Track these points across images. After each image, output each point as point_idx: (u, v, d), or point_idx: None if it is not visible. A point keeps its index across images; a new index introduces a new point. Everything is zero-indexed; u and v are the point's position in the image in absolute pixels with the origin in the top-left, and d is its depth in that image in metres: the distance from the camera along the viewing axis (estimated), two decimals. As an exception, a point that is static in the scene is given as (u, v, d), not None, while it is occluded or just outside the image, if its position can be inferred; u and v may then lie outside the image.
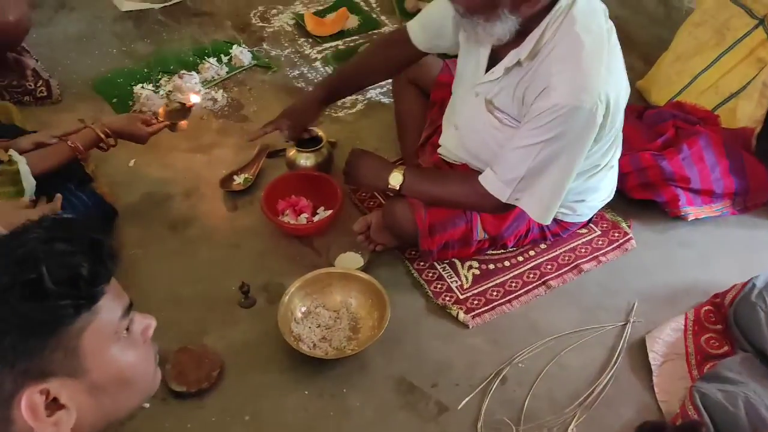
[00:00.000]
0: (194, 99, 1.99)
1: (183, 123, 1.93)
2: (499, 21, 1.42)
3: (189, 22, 2.69)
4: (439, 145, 1.85)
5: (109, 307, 0.78)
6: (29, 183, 1.60)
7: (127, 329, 0.82)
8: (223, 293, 1.78)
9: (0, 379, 0.71)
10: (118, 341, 0.80)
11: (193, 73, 2.38)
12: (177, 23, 2.68)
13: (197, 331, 1.70)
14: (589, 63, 1.43)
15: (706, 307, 1.68)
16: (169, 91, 2.32)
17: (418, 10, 2.03)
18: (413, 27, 1.77)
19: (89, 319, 0.75)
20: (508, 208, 1.66)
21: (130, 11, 2.69)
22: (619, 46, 1.55)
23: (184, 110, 1.90)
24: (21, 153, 1.63)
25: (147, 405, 1.51)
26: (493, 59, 1.59)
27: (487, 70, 1.61)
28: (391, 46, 1.85)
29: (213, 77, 2.40)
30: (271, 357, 1.66)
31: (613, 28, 1.53)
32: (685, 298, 1.76)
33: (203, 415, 1.54)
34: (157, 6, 2.70)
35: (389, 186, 1.72)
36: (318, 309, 1.73)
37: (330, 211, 1.91)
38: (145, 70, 2.41)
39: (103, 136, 1.75)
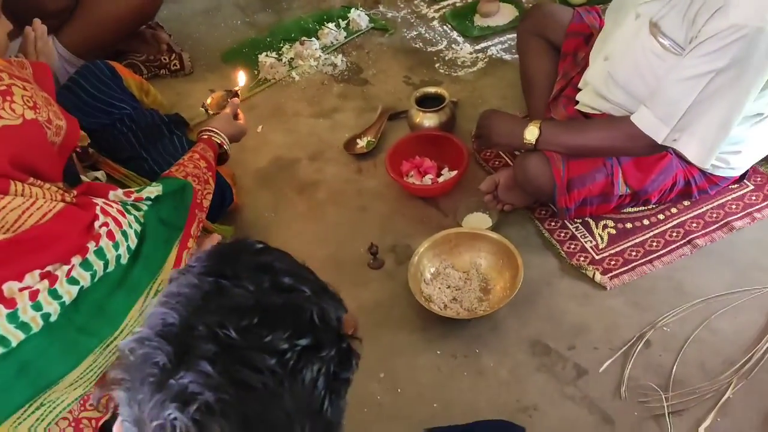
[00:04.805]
0: (241, 81, 1.89)
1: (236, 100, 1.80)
2: None
3: (307, -10, 2.71)
4: (575, 99, 1.75)
5: None
6: None
7: None
8: (352, 255, 1.79)
9: None
10: None
11: (313, 39, 2.39)
12: (295, -8, 2.71)
13: (329, 292, 1.73)
14: None
15: None
16: (291, 58, 2.35)
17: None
18: None
19: None
20: (661, 149, 1.54)
21: (251, -17, 2.74)
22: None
23: (233, 94, 1.83)
24: None
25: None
26: None
27: None
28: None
29: (332, 42, 2.41)
30: (402, 317, 1.65)
31: None
32: None
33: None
34: (276, -24, 2.73)
35: (525, 141, 1.64)
36: (447, 270, 1.71)
37: (455, 172, 1.87)
38: (268, 39, 2.45)
39: (225, 146, 1.68)
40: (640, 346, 1.52)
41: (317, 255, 1.80)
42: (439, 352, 1.59)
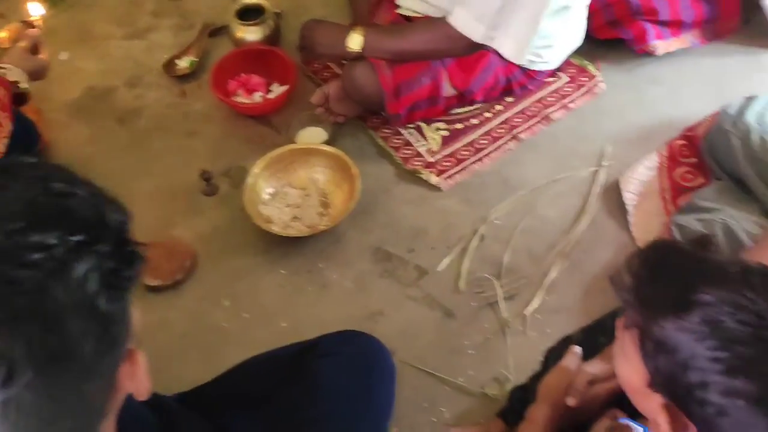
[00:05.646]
0: (35, 11, 1.59)
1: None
2: None
3: None
4: (396, 3, 1.72)
5: None
6: None
7: None
8: (184, 183, 1.70)
9: None
10: None
11: (116, -50, 2.15)
12: None
13: (163, 225, 1.64)
14: None
15: (680, 142, 1.64)
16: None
17: None
18: None
19: None
20: (479, 48, 1.57)
21: None
22: None
23: (29, 25, 1.61)
24: None
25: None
26: None
27: None
28: None
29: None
30: (243, 242, 1.61)
31: None
32: (658, 135, 1.72)
33: (183, 305, 1.52)
34: None
35: (349, 49, 1.60)
36: (285, 188, 1.67)
37: (285, 87, 1.80)
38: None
39: (22, 85, 1.45)
40: (474, 242, 1.59)
41: (145, 187, 1.70)
42: (283, 272, 1.57)
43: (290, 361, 1.19)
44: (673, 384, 0.66)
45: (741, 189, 1.44)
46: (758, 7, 1.86)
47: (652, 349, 0.67)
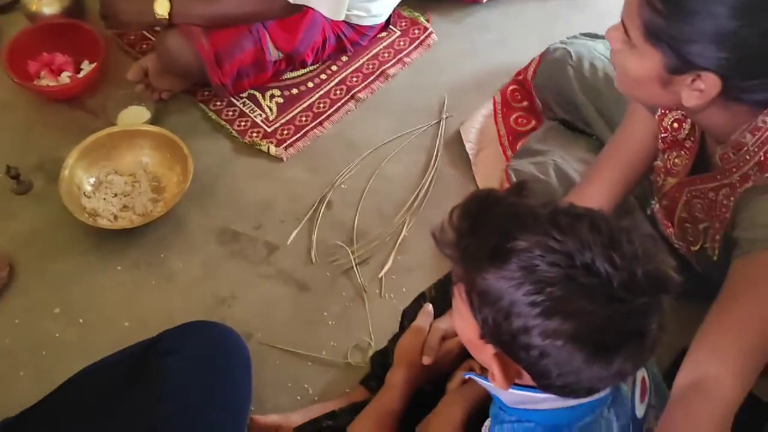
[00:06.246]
0: None
1: None
2: None
3: None
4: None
5: None
6: None
7: None
8: (-12, 184, 1.50)
9: None
10: None
11: None
12: None
13: (-32, 233, 1.44)
14: None
15: (512, 87, 1.67)
16: None
17: None
18: None
19: None
20: (296, 9, 1.49)
21: None
22: None
23: None
24: None
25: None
26: None
27: None
28: None
29: None
30: (67, 241, 1.46)
31: None
32: (493, 82, 1.73)
33: (4, 321, 1.35)
34: None
35: (158, 16, 1.47)
36: (110, 177, 1.52)
37: (95, 64, 1.63)
38: None
39: None
40: (322, 209, 1.54)
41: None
42: (119, 267, 1.44)
43: (131, 364, 1.10)
44: (499, 332, 0.66)
45: (567, 126, 1.49)
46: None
47: (478, 301, 0.67)
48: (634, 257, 0.64)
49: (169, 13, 1.45)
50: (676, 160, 1.08)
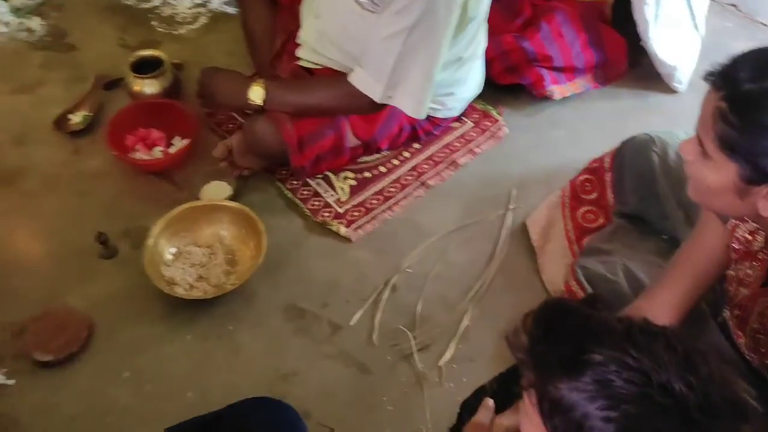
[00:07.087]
0: None
1: None
2: None
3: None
4: (297, 55, 1.70)
5: None
6: None
7: None
8: (77, 247, 1.60)
9: None
10: None
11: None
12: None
13: (55, 293, 1.53)
14: None
15: (583, 177, 1.63)
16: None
17: None
18: None
19: None
20: (381, 107, 1.57)
21: None
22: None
23: None
24: None
25: (11, 382, 1.38)
26: None
27: None
28: None
29: (24, 4, 2.08)
30: (143, 307, 1.52)
31: None
32: (561, 177, 1.75)
33: (77, 381, 1.41)
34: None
35: (250, 102, 1.57)
36: (189, 247, 1.60)
37: (186, 140, 1.74)
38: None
39: None
40: (387, 293, 1.57)
41: (34, 253, 1.59)
42: (189, 337, 1.49)
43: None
44: None
45: (634, 224, 1.48)
46: (644, 52, 1.97)
47: (549, 408, 0.67)
48: (710, 380, 0.63)
49: (264, 100, 1.55)
50: (749, 271, 1.07)
